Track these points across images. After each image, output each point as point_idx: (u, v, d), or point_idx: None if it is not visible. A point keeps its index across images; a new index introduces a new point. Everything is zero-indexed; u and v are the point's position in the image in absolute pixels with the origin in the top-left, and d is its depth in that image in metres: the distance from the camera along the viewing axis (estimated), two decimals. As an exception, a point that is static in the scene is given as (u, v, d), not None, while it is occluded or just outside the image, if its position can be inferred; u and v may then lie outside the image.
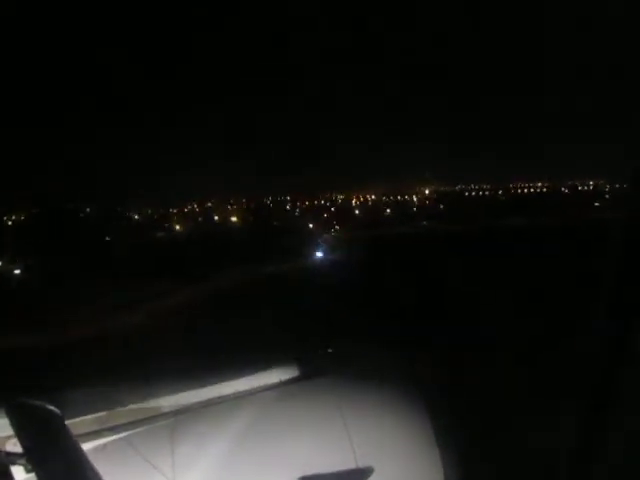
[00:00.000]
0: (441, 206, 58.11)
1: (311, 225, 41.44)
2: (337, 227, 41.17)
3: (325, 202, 70.01)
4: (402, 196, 76.83)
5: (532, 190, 75.56)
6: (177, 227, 51.00)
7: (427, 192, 77.36)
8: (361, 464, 2.28)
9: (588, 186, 72.04)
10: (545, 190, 74.78)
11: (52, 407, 1.68)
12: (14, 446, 1.87)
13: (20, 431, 1.74)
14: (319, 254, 25.94)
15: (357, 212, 58.78)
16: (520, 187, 79.02)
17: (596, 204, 48.25)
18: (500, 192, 75.42)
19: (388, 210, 57.67)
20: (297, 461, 2.30)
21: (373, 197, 78.65)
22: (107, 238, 36.93)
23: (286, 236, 29.96)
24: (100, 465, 1.71)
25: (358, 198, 76.79)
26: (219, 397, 2.60)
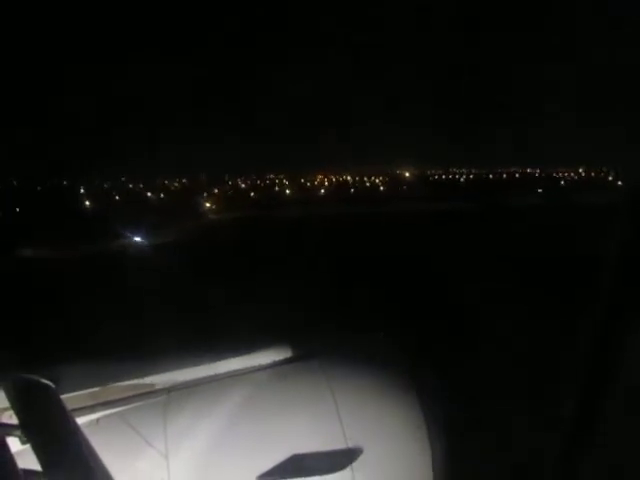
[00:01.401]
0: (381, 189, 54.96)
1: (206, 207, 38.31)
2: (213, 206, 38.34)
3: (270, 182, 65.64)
4: (369, 178, 72.21)
5: (502, 176, 70.76)
6: (87, 203, 51.07)
7: (407, 175, 73.42)
8: (350, 444, 2.31)
9: (568, 174, 68.06)
10: (517, 176, 70.11)
11: (46, 381, 1.74)
12: (10, 418, 1.88)
13: (15, 404, 1.75)
14: (137, 237, 22.00)
15: (288, 192, 54.86)
16: (494, 173, 74.12)
17: (539, 190, 46.61)
18: (469, 176, 70.64)
19: (322, 191, 54.13)
20: (288, 440, 2.33)
21: (348, 178, 74.37)
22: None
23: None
24: (93, 439, 1.72)
25: (323, 178, 72.29)
26: (212, 376, 2.61)
